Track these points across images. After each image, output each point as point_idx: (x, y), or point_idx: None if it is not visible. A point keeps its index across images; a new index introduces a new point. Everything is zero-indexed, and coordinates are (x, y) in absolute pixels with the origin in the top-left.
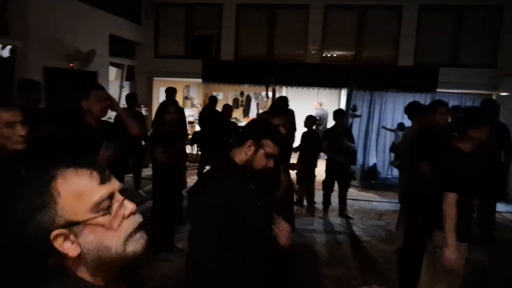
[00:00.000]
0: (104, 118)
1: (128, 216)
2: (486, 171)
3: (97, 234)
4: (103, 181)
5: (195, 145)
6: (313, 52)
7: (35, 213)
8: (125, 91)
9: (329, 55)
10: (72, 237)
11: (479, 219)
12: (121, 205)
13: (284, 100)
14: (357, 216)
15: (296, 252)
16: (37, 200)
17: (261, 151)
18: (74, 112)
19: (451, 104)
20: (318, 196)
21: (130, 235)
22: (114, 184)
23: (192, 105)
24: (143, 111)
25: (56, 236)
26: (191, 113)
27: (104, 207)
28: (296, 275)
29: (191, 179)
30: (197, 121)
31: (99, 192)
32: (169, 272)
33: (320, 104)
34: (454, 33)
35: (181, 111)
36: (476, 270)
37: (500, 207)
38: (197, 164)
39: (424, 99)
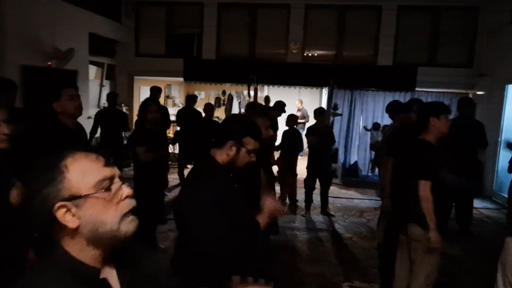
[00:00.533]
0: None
1: (125, 198)
2: (463, 167)
3: (96, 209)
4: (107, 164)
5: (177, 145)
6: (294, 51)
7: (43, 187)
8: (106, 90)
9: (310, 54)
10: (73, 210)
11: (457, 215)
12: (119, 188)
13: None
14: (339, 214)
15: (279, 249)
16: (46, 175)
17: (243, 150)
18: (48, 112)
19: None
20: (300, 194)
21: (125, 215)
22: (115, 170)
23: (174, 104)
24: (124, 110)
25: (60, 207)
26: (172, 112)
27: (105, 186)
28: (279, 272)
29: (173, 179)
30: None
31: (103, 172)
32: (153, 272)
33: (301, 103)
34: (431, 33)
35: (164, 110)
36: (454, 264)
37: (477, 203)
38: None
39: (404, 98)
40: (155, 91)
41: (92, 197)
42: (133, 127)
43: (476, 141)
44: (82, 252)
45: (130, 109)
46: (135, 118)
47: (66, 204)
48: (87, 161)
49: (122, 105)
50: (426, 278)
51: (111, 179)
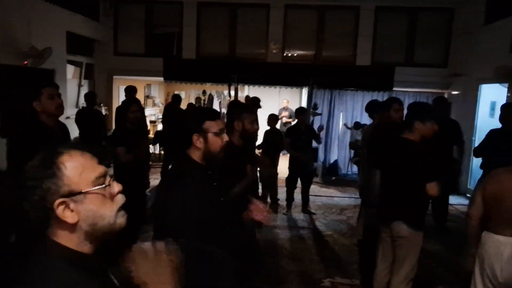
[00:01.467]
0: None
1: (117, 193)
2: (439, 165)
3: (96, 204)
4: (100, 162)
5: (158, 145)
6: (274, 51)
7: (42, 182)
8: (84, 90)
9: (290, 54)
10: (72, 205)
11: (434, 212)
12: (111, 184)
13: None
14: (320, 212)
15: (261, 248)
16: (45, 171)
17: (209, 135)
18: (27, 111)
19: (407, 102)
20: (282, 193)
21: (119, 209)
22: (105, 168)
23: (154, 104)
24: (103, 110)
25: (59, 204)
26: (152, 112)
27: (101, 182)
28: (261, 269)
29: (154, 179)
30: (159, 120)
31: (98, 169)
32: None
33: (288, 102)
34: (408, 34)
35: (141, 110)
36: (432, 259)
37: (453, 199)
38: (160, 163)
39: (382, 97)
40: (131, 91)
41: (92, 193)
42: (113, 127)
43: (451, 139)
44: (79, 246)
45: (109, 109)
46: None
47: (65, 200)
48: (83, 158)
49: (102, 105)
50: (407, 273)
51: (104, 176)
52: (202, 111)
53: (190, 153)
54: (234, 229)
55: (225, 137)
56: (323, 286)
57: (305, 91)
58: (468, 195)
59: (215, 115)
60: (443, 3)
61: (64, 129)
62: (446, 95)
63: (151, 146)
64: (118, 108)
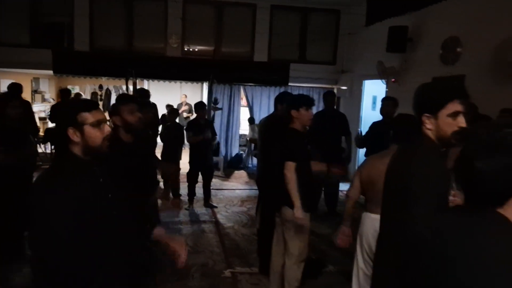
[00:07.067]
0: None
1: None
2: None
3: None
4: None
5: (48, 144)
6: (173, 45)
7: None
8: None
9: (190, 49)
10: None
11: (326, 198)
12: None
13: (143, 92)
14: (221, 205)
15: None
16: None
17: (86, 127)
18: None
19: None
20: (184, 188)
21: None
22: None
23: (44, 100)
24: None
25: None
26: (42, 108)
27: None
28: (160, 266)
29: None
30: (49, 116)
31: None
32: (23, 284)
33: (186, 97)
34: (301, 32)
35: (27, 105)
36: (323, 241)
37: (342, 186)
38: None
39: (279, 92)
40: (16, 89)
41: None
42: None
43: (340, 130)
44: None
45: None
46: None
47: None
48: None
49: None
50: (298, 255)
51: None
52: (76, 103)
53: (71, 148)
54: (123, 226)
55: (107, 128)
56: (223, 277)
57: (206, 86)
58: None
59: (91, 106)
60: (330, 4)
61: None
62: (335, 90)
63: (41, 145)
64: None
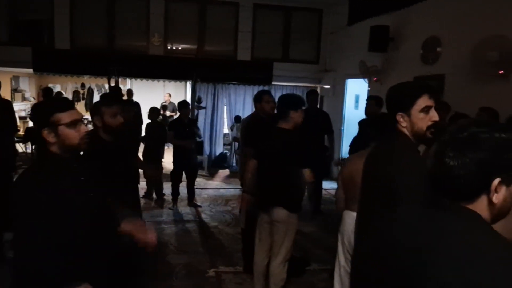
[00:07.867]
0: None
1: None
2: (311, 153)
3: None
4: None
5: (29, 143)
6: (156, 44)
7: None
8: None
9: (173, 48)
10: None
11: (310, 196)
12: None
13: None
14: (205, 204)
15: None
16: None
17: (61, 128)
18: None
19: None
20: (167, 188)
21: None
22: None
23: (24, 99)
24: None
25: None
26: (22, 107)
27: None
28: (145, 266)
29: None
30: (30, 116)
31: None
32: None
33: (170, 95)
34: (284, 31)
35: (7, 104)
36: (307, 239)
37: (326, 184)
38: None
39: None
40: None
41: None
42: None
43: (322, 129)
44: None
45: None
46: None
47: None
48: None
49: None
50: (285, 255)
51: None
52: (50, 103)
53: (50, 147)
54: (103, 223)
55: (83, 128)
56: (207, 277)
57: (189, 84)
58: None
59: (66, 106)
60: (313, 4)
61: None
62: (318, 89)
63: (21, 144)
64: None
